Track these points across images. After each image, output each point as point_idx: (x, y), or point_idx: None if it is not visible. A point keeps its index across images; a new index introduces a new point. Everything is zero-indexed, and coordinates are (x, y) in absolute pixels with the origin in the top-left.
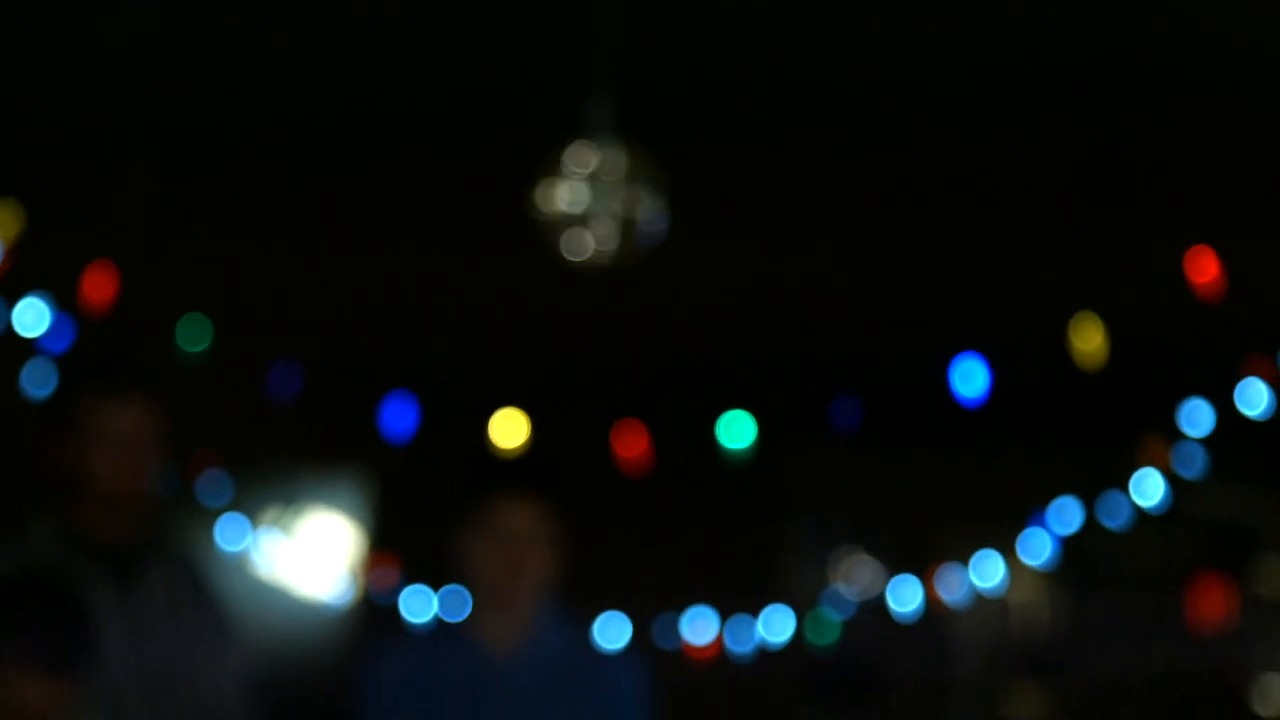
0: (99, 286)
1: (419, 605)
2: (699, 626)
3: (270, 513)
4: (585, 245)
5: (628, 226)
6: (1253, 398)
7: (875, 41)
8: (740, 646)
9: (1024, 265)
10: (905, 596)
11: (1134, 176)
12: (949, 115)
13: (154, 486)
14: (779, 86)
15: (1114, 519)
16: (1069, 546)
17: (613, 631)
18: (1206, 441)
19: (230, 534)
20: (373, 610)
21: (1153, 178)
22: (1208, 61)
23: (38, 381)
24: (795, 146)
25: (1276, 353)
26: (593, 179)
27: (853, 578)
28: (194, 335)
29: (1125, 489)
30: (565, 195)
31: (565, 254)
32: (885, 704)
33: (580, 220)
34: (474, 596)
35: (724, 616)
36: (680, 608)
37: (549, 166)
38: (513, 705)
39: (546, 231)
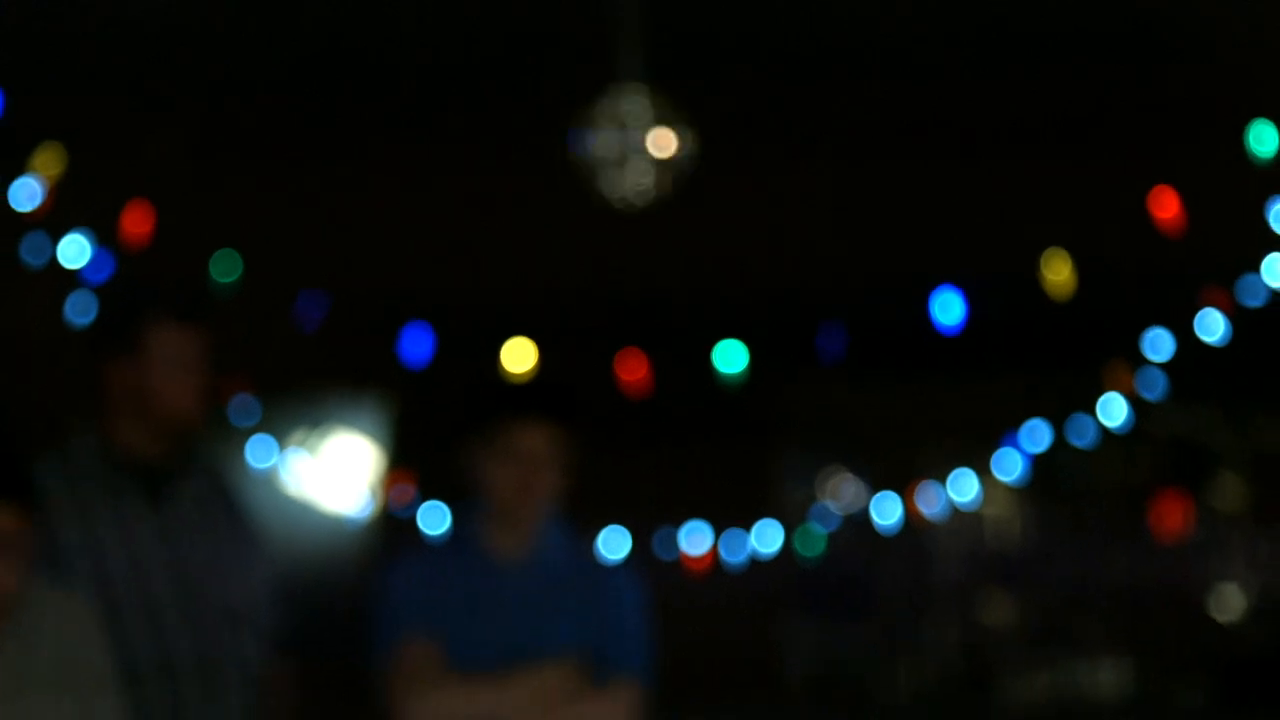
0: (137, 223)
1: (435, 519)
2: (695, 539)
3: (297, 434)
4: (620, 186)
5: (658, 168)
6: (1210, 326)
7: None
8: (734, 557)
9: (999, 204)
10: (887, 511)
11: (1102, 121)
12: (932, 69)
13: (205, 411)
14: (777, 45)
15: (1081, 438)
16: (1039, 464)
17: (615, 543)
18: (1167, 366)
19: (259, 453)
20: (391, 524)
21: (1119, 123)
22: (1169, 16)
23: (79, 310)
24: (790, 99)
25: (1233, 284)
26: (621, 125)
27: (838, 494)
28: (226, 268)
29: (1092, 410)
30: (598, 141)
31: (602, 194)
32: (868, 610)
33: (614, 163)
34: (486, 511)
35: (718, 530)
36: (678, 522)
37: (580, 113)
38: (519, 611)
39: (583, 174)
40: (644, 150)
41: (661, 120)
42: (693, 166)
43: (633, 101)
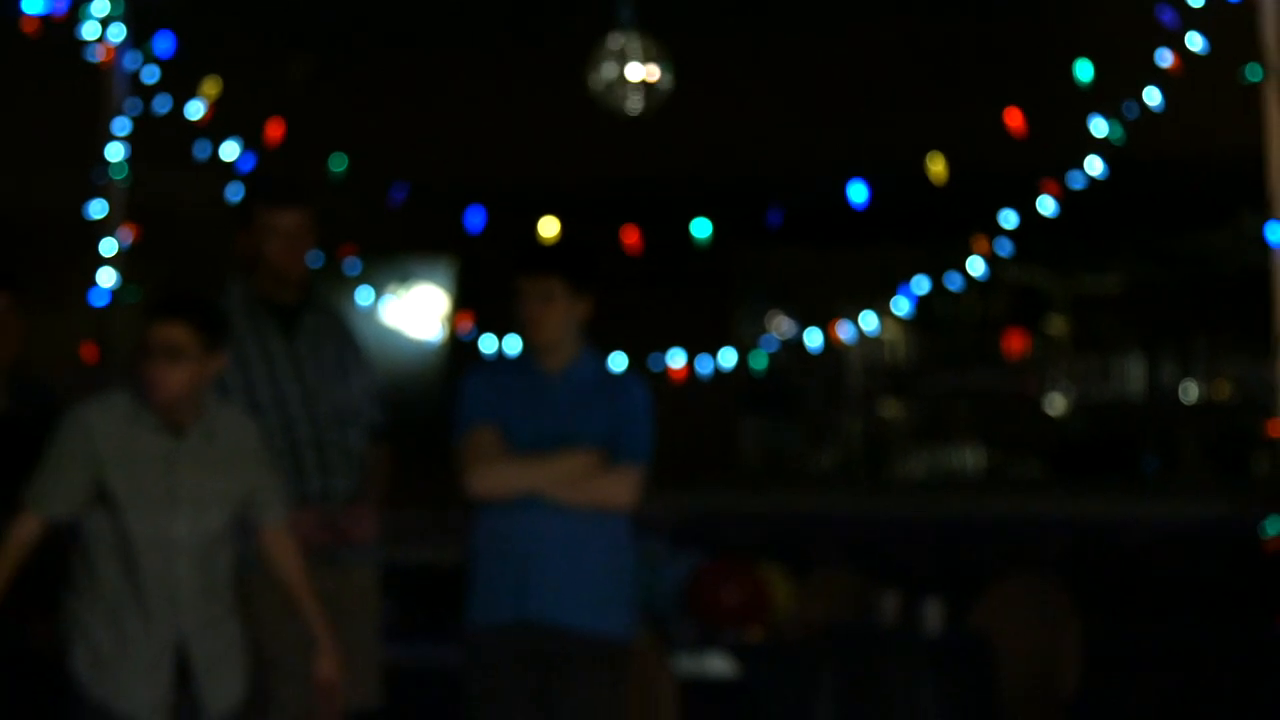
0: (274, 129)
1: (488, 344)
2: (675, 358)
3: (390, 283)
4: (619, 102)
5: (648, 89)
6: (1045, 205)
7: None
8: (703, 371)
9: (895, 116)
10: (813, 338)
11: (974, 57)
12: (846, 20)
13: (308, 265)
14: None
15: (953, 285)
16: (922, 304)
17: (617, 362)
18: (1014, 235)
19: (363, 296)
20: (457, 347)
21: (986, 58)
22: None
23: (233, 193)
24: (751, 39)
25: (1062, 175)
26: (621, 57)
27: (779, 326)
28: (337, 163)
29: (961, 266)
30: (604, 69)
31: (606, 108)
32: (800, 410)
33: (615, 85)
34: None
35: (692, 352)
36: (664, 347)
37: (594, 49)
38: (557, 410)
39: (594, 94)
40: (637, 75)
41: (647, 55)
42: (670, 90)
43: (628, 41)
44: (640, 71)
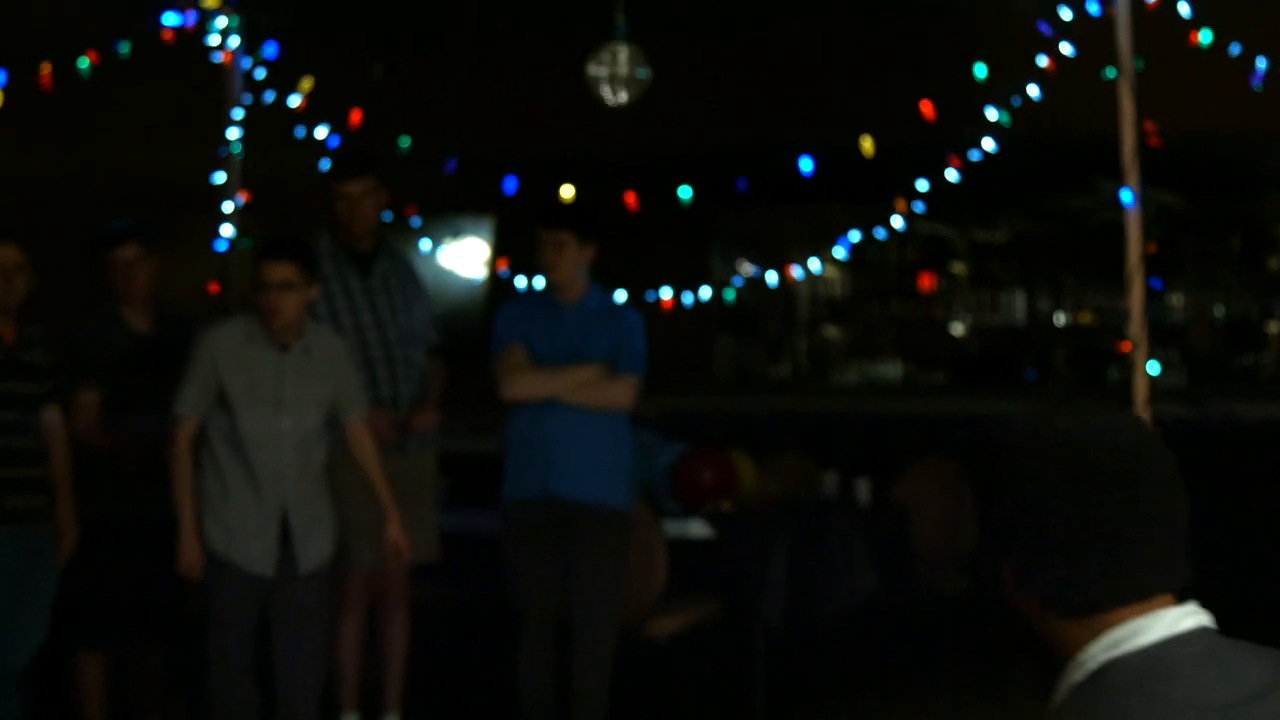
0: (355, 117)
1: (520, 282)
2: (665, 292)
3: (445, 235)
4: (609, 93)
5: (631, 82)
6: (950, 175)
7: None
8: (686, 302)
9: (838, 105)
10: (772, 278)
11: (896, 60)
12: (799, 23)
13: (374, 220)
14: (714, 12)
15: (880, 236)
16: (856, 251)
17: (619, 295)
18: (926, 197)
19: (424, 245)
20: (497, 284)
21: (906, 60)
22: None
23: (323, 166)
24: (724, 43)
25: (964, 151)
26: (612, 57)
27: (745, 269)
28: (403, 142)
29: (885, 221)
30: (598, 67)
31: (600, 97)
32: (761, 332)
33: (607, 79)
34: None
35: (677, 288)
36: (655, 284)
37: (592, 51)
38: (571, 332)
39: (591, 85)
40: (623, 74)
41: (634, 57)
42: (648, 84)
43: (619, 46)
44: (624, 71)
